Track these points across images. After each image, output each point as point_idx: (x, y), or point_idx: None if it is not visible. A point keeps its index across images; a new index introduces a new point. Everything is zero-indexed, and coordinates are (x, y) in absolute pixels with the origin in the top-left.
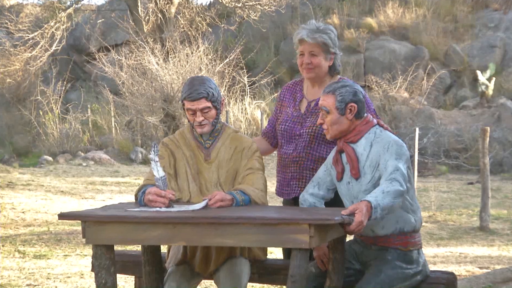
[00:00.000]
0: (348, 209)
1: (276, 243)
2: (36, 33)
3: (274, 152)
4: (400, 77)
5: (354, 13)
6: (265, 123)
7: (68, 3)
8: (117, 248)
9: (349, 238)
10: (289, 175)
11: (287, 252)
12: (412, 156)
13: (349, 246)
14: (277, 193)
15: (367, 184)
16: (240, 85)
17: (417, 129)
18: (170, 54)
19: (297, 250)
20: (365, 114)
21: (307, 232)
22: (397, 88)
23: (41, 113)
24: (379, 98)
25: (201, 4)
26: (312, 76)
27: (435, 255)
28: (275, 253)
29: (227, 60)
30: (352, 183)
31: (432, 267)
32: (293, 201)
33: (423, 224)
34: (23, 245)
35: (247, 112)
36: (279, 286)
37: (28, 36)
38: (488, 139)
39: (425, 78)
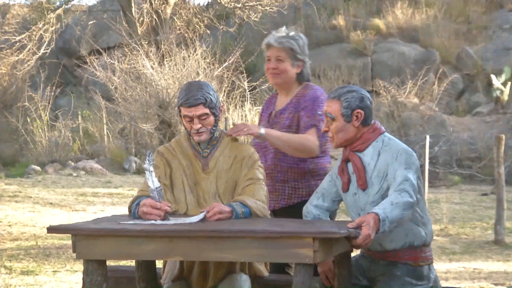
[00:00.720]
0: (354, 221)
1: (278, 258)
2: (23, 36)
3: None
4: (410, 81)
5: (361, 14)
6: None
7: (58, 3)
8: (110, 263)
9: (356, 252)
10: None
11: (275, 267)
12: (422, 166)
13: (356, 261)
14: None
15: (374, 195)
16: (240, 90)
17: (427, 137)
18: (166, 58)
19: (301, 266)
20: (373, 121)
21: (311, 246)
22: (406, 94)
23: (28, 120)
24: (388, 104)
25: (199, 4)
26: (279, 82)
27: (447, 271)
28: None
29: (226, 63)
30: (359, 194)
31: (444, 284)
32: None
33: (434, 237)
34: (10, 260)
35: (248, 119)
36: None
37: (15, 39)
38: (503, 147)
39: (436, 82)
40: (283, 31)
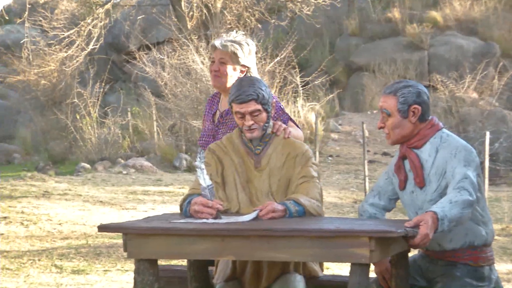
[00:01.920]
0: (412, 220)
1: (333, 258)
2: (72, 31)
3: None
4: (469, 76)
5: (417, 6)
6: (320, 127)
7: None
8: (161, 262)
9: (414, 252)
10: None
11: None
12: (482, 163)
13: (414, 261)
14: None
15: (432, 194)
16: (292, 85)
17: (487, 133)
18: None
19: (357, 266)
20: (430, 117)
21: (367, 245)
22: (465, 88)
23: (78, 117)
24: (445, 99)
25: None
26: (218, 85)
27: (509, 272)
28: (332, 268)
29: (278, 58)
30: (416, 192)
31: (506, 285)
32: None
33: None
34: (60, 259)
35: (300, 115)
36: None
37: (63, 35)
38: None
39: (496, 76)
40: (232, 35)
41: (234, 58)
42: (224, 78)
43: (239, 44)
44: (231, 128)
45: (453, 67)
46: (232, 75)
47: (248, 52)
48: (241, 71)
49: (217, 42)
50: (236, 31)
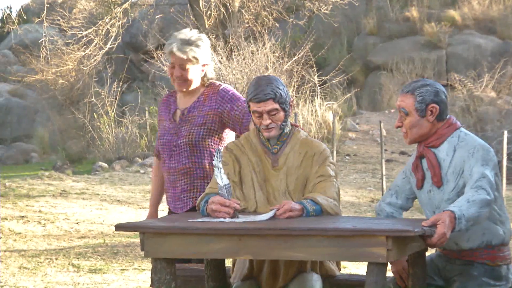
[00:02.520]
0: (429, 220)
1: (350, 257)
2: (90, 30)
3: None
4: (487, 75)
5: (435, 5)
6: (338, 126)
7: None
8: None
9: (431, 251)
10: (179, 188)
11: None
12: (500, 162)
13: (431, 261)
14: (172, 209)
15: (450, 193)
16: (310, 84)
17: (505, 132)
18: (234, 52)
19: (374, 265)
20: (448, 116)
21: (384, 245)
22: (483, 87)
23: (95, 116)
24: (463, 98)
25: None
26: (183, 89)
27: None
28: (349, 267)
29: (296, 57)
30: (434, 191)
31: None
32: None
33: None
34: (78, 258)
35: (318, 114)
36: None
37: (81, 34)
38: None
39: None
40: (185, 34)
41: (194, 61)
42: (189, 81)
43: (196, 45)
44: (196, 124)
45: (471, 66)
46: (195, 76)
47: (205, 50)
48: (202, 70)
49: (174, 48)
50: (190, 29)
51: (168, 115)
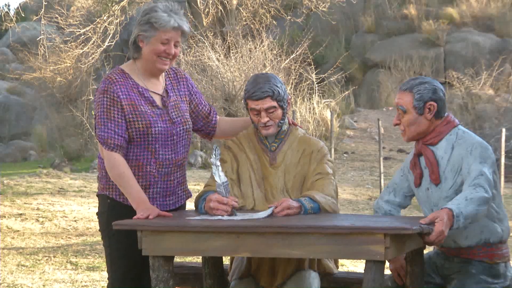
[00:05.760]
0: (427, 217)
1: (348, 255)
2: (88, 28)
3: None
4: (485, 72)
5: (433, 3)
6: (336, 124)
7: None
8: (176, 259)
9: (429, 249)
10: (174, 182)
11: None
12: (498, 160)
13: (429, 258)
14: (159, 207)
15: (448, 190)
16: (307, 82)
17: (503, 129)
18: (232, 50)
19: (372, 263)
20: (446, 114)
21: (382, 242)
22: (481, 85)
23: (93, 114)
24: (461, 95)
25: None
26: (165, 69)
27: None
28: (347, 265)
29: (294, 55)
30: (432, 189)
31: None
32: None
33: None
34: (76, 256)
35: (316, 112)
36: None
37: (79, 31)
38: None
39: None
40: (167, 5)
41: (182, 37)
42: (173, 61)
43: (183, 17)
44: (184, 111)
45: (469, 64)
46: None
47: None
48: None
49: (174, 22)
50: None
51: (142, 98)
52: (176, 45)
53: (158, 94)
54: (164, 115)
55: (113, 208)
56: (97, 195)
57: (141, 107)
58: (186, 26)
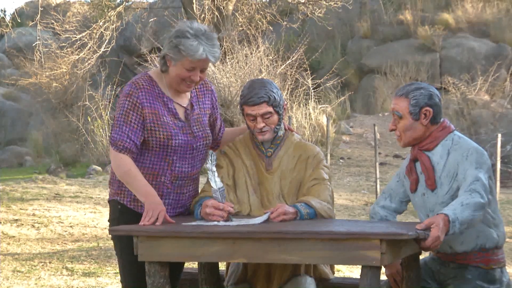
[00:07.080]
0: (423, 223)
1: (344, 260)
2: (84, 34)
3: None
4: (480, 78)
5: (429, 8)
6: (332, 129)
7: (118, 1)
8: None
9: (425, 255)
10: (186, 195)
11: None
12: (493, 165)
13: (425, 264)
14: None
15: (444, 196)
16: (303, 88)
17: (499, 135)
18: (228, 55)
19: (367, 268)
20: (442, 119)
21: (378, 248)
22: (476, 90)
23: (89, 119)
24: (457, 101)
25: (261, 0)
26: (189, 91)
27: None
28: (343, 271)
29: (290, 61)
30: (428, 194)
31: None
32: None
33: (507, 240)
34: (71, 261)
35: (312, 118)
36: None
37: (75, 37)
38: None
39: (508, 79)
40: (198, 28)
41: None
42: (198, 83)
43: (216, 42)
44: (206, 125)
45: (465, 69)
46: None
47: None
48: None
49: (203, 52)
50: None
51: (166, 109)
52: (203, 71)
53: (183, 106)
54: (186, 128)
55: (124, 214)
56: (108, 201)
57: (164, 117)
58: (215, 56)
